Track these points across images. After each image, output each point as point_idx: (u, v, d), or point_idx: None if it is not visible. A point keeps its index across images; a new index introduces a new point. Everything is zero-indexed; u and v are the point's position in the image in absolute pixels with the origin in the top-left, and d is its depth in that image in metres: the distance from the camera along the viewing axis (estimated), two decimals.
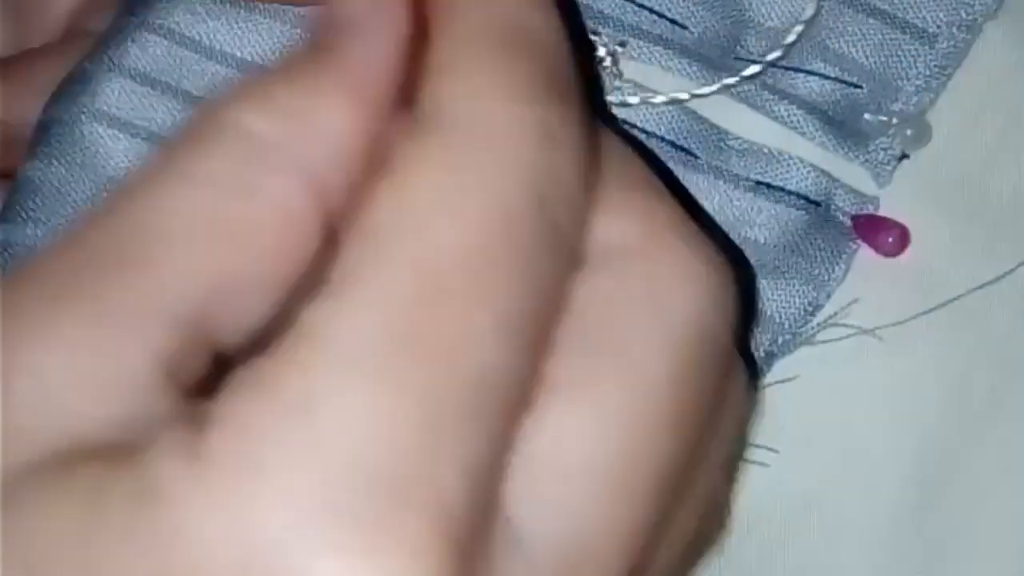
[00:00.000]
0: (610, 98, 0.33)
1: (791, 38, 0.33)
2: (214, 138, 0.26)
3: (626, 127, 0.33)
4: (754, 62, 0.33)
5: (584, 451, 0.24)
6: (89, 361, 0.24)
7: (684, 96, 0.33)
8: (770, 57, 0.33)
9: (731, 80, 0.33)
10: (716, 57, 0.33)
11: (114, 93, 0.32)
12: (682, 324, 0.25)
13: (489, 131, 0.24)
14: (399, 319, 0.22)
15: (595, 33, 0.33)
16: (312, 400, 0.22)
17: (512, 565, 0.23)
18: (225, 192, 0.25)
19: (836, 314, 0.33)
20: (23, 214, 0.31)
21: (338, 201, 0.25)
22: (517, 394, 0.23)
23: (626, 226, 0.26)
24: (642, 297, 0.25)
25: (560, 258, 0.24)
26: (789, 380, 0.33)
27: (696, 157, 0.33)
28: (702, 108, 0.33)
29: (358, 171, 0.25)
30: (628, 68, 0.33)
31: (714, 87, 0.33)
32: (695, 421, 0.25)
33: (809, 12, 0.33)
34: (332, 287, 0.23)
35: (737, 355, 0.28)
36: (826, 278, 0.33)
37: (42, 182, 0.32)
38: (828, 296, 0.33)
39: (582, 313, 0.25)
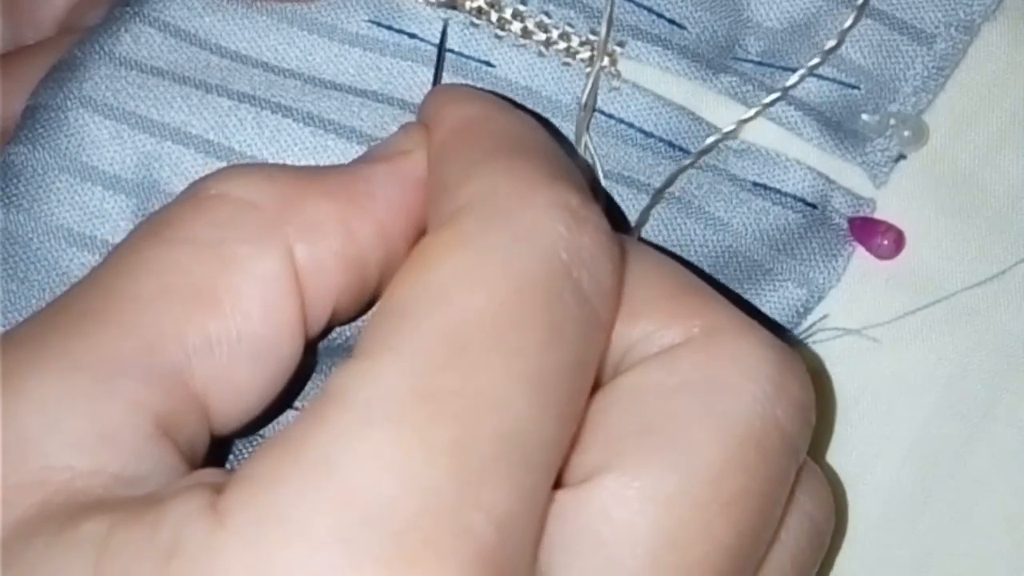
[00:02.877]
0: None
1: (831, 43, 0.33)
2: (198, 202, 0.26)
3: (623, 125, 0.33)
4: (757, 63, 0.33)
5: (628, 527, 0.24)
6: (66, 415, 0.24)
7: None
8: (812, 63, 0.33)
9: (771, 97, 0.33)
10: (714, 57, 0.33)
11: (103, 80, 0.32)
12: (740, 412, 0.25)
13: (507, 209, 0.24)
14: (424, 379, 0.22)
15: (593, 33, 0.32)
16: (337, 453, 0.22)
17: None
18: (203, 254, 0.25)
19: (826, 316, 0.33)
20: (5, 199, 0.31)
21: (313, 290, 0.26)
22: (551, 455, 0.24)
23: (685, 326, 0.26)
24: (700, 387, 0.25)
25: (588, 325, 0.24)
26: None
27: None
28: (700, 108, 0.33)
29: (337, 272, 0.26)
30: (626, 68, 0.33)
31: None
32: (754, 509, 0.25)
33: (849, 22, 0.33)
34: (358, 355, 0.23)
35: (811, 461, 0.28)
36: (820, 281, 0.33)
37: (25, 166, 0.31)
38: (820, 298, 0.33)
39: (641, 402, 0.25)
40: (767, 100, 0.33)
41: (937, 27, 0.33)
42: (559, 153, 0.27)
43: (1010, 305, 0.34)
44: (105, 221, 0.31)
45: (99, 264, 0.26)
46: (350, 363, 0.23)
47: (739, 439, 0.25)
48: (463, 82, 0.32)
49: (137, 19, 0.32)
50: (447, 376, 0.22)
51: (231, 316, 0.25)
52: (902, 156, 0.33)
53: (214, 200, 0.26)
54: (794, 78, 0.33)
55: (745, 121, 0.33)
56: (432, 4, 0.32)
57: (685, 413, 0.25)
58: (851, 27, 0.33)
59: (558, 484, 0.24)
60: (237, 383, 0.26)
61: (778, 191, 0.33)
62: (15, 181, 0.31)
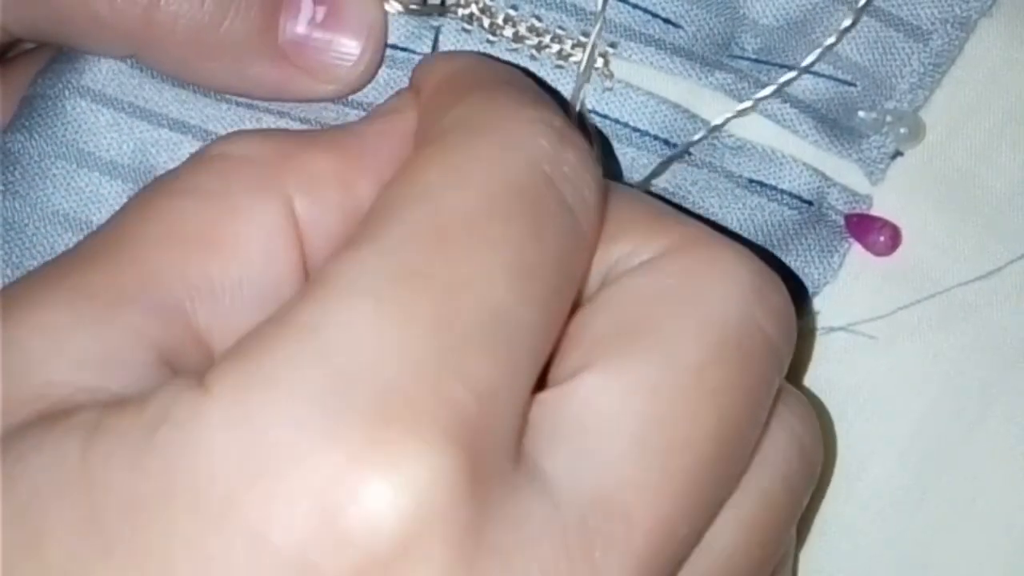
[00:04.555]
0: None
1: (831, 41, 0.33)
2: (201, 160, 0.27)
3: (618, 125, 0.33)
4: (754, 60, 0.33)
5: (612, 414, 0.24)
6: (69, 337, 0.24)
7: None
8: (806, 62, 0.33)
9: (765, 92, 0.33)
10: (711, 55, 0.33)
11: (101, 71, 0.32)
12: (721, 311, 0.25)
13: (492, 123, 0.25)
14: (406, 260, 0.23)
15: (585, 35, 0.33)
16: (320, 322, 0.22)
17: (535, 503, 0.23)
18: (206, 203, 0.26)
19: (819, 312, 0.33)
20: (2, 186, 0.32)
21: (313, 241, 0.27)
22: (534, 340, 0.24)
23: (665, 241, 0.27)
24: (680, 290, 0.26)
25: (571, 232, 0.25)
26: None
27: (689, 154, 0.33)
28: (696, 106, 0.33)
29: (337, 224, 0.27)
30: (619, 69, 0.33)
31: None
32: (738, 403, 0.25)
33: (847, 21, 0.33)
34: (343, 246, 0.24)
35: (793, 387, 0.28)
36: (815, 276, 0.33)
37: (22, 154, 0.32)
38: (814, 294, 0.33)
39: (622, 306, 0.26)
40: (760, 95, 0.33)
41: (933, 24, 0.33)
42: (544, 93, 0.28)
43: (1007, 302, 0.34)
44: (102, 206, 0.32)
45: (118, 211, 0.27)
46: (335, 253, 0.24)
47: (721, 335, 0.25)
48: None
49: None
50: (429, 259, 0.23)
51: (233, 260, 0.26)
52: (899, 153, 0.33)
53: (216, 158, 0.27)
54: (788, 75, 0.33)
55: (737, 115, 0.33)
56: (423, 13, 0.32)
57: (666, 313, 0.25)
58: (850, 28, 0.33)
59: (542, 388, 0.25)
60: (239, 329, 0.26)
61: (774, 188, 0.33)
62: (12, 168, 0.32)
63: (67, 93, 0.32)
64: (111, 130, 0.32)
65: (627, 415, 0.24)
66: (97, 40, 0.31)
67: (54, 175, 0.32)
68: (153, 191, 0.27)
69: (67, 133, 0.32)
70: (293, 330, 0.22)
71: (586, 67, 0.32)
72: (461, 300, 0.23)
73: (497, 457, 0.23)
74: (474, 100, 0.26)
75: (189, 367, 0.26)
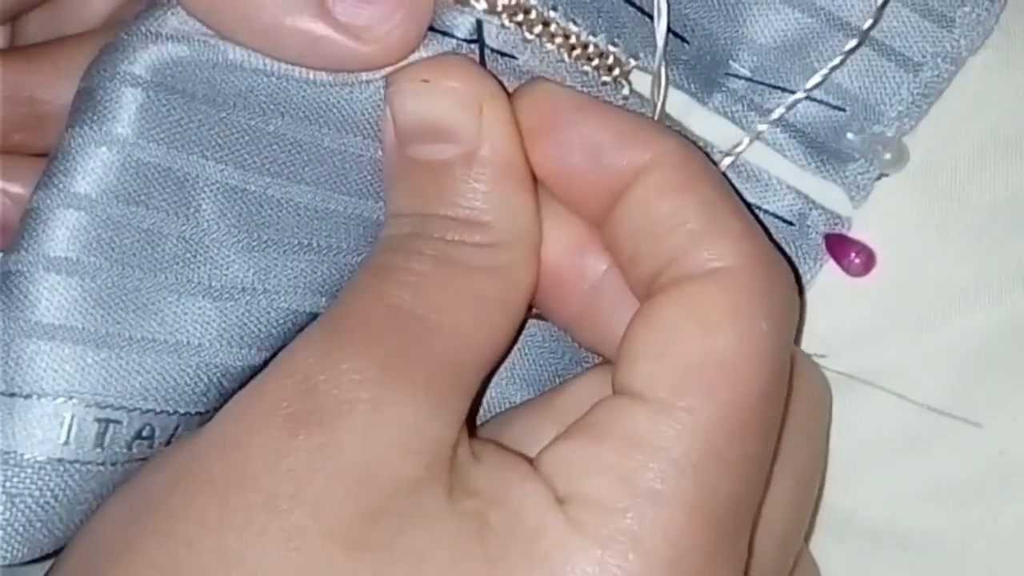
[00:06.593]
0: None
1: (816, 80, 0.35)
2: None
3: None
4: (748, 80, 0.35)
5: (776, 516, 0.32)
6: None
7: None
8: (793, 98, 0.35)
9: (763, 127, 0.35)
10: (709, 72, 0.35)
11: (151, 58, 0.32)
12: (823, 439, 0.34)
13: (759, 287, 0.30)
14: (719, 444, 0.28)
15: (613, 44, 0.34)
16: (653, 492, 0.28)
17: None
18: None
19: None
20: (65, 184, 0.31)
21: None
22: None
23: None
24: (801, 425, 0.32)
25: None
26: None
27: None
28: (691, 122, 0.35)
29: None
30: (634, 78, 0.34)
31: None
32: None
33: (836, 60, 0.35)
34: (660, 407, 0.29)
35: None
36: None
37: (81, 148, 0.31)
38: None
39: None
40: (759, 129, 0.35)
41: (924, 56, 0.35)
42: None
43: (976, 313, 0.35)
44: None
45: None
46: (651, 409, 0.29)
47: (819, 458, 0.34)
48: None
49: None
50: (735, 444, 0.29)
51: None
52: (883, 174, 0.35)
53: None
54: (779, 112, 0.35)
55: (739, 153, 0.35)
56: (466, 7, 0.33)
57: (797, 439, 0.32)
58: (838, 65, 0.34)
59: None
60: None
61: (758, 207, 0.35)
62: (70, 159, 0.32)
63: (122, 84, 0.32)
64: (169, 119, 0.32)
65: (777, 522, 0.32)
66: None
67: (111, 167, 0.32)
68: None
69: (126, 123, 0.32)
70: (637, 494, 0.28)
71: (661, 111, 0.34)
72: (749, 482, 0.29)
73: None
74: (727, 241, 0.30)
75: None
